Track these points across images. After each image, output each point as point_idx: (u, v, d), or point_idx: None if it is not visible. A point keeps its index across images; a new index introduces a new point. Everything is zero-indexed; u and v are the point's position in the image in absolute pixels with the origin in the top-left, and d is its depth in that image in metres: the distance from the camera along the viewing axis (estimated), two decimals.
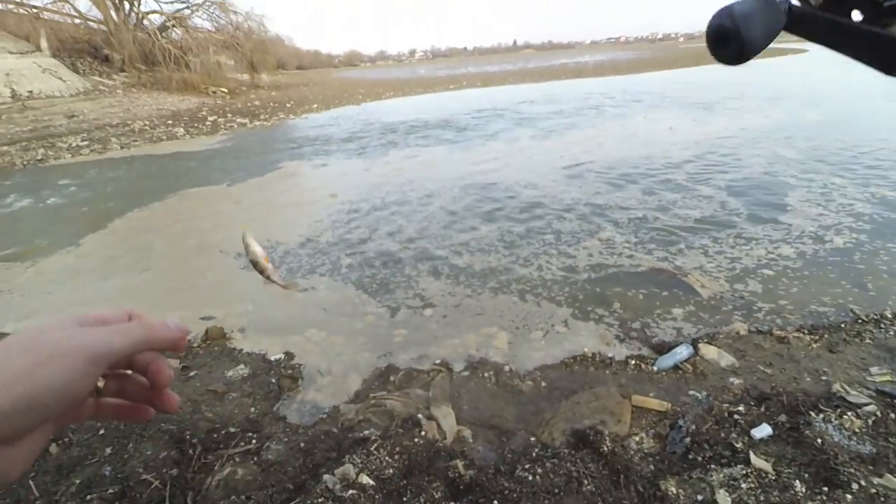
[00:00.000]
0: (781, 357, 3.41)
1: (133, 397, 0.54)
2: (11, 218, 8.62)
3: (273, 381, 3.54)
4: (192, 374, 3.69)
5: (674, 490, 2.40)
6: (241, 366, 3.72)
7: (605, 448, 2.67)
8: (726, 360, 3.38)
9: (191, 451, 2.94)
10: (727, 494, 2.35)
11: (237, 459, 2.86)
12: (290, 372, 3.61)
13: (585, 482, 2.44)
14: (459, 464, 2.56)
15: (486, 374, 3.44)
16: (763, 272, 4.69)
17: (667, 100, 17.82)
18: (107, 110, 20.89)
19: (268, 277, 1.12)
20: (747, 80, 23.93)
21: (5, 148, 15.03)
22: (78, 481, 2.73)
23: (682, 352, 3.41)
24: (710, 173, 8.04)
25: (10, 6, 24.85)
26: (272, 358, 3.82)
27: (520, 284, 4.81)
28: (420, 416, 2.93)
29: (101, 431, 3.12)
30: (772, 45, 0.52)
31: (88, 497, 2.60)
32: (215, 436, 3.07)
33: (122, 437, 3.08)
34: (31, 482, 2.73)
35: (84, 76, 24.44)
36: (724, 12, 0.50)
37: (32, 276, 5.90)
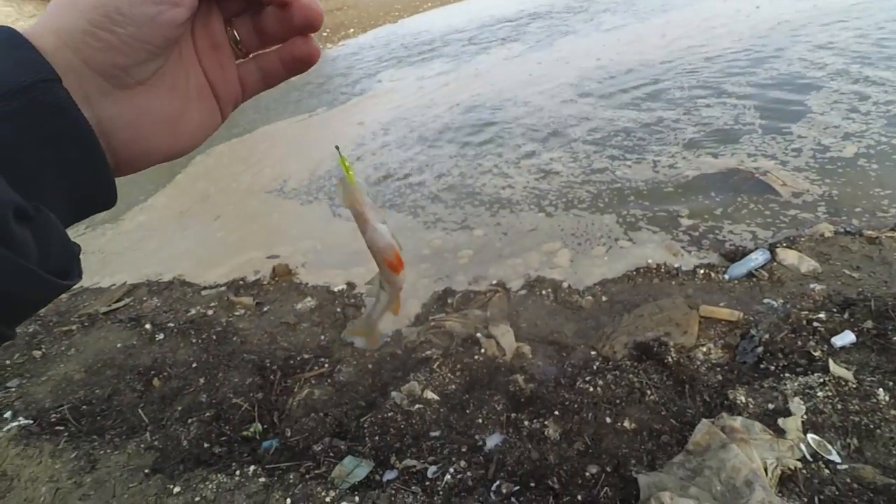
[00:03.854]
0: (871, 259, 3.09)
1: (275, 40, 0.48)
2: None
3: (338, 310, 3.71)
4: (265, 308, 3.94)
5: (743, 399, 2.32)
6: (308, 298, 3.92)
7: (670, 359, 2.60)
8: (807, 264, 3.12)
9: (272, 377, 3.20)
10: (802, 403, 2.24)
11: (313, 382, 3.09)
12: (352, 301, 3.77)
13: (648, 392, 2.41)
14: (520, 378, 2.61)
15: (543, 292, 3.40)
16: (854, 166, 4.18)
17: None
18: None
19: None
20: None
21: None
22: (180, 408, 3.08)
23: (758, 257, 3.18)
24: (794, 58, 7.08)
25: None
26: (336, 289, 3.98)
27: (582, 198, 4.60)
28: (479, 335, 2.98)
29: (194, 364, 3.45)
30: None
31: (190, 420, 2.92)
32: (292, 362, 3.31)
33: (212, 367, 3.40)
34: (140, 411, 3.11)
35: None
36: None
37: (115, 236, 6.35)
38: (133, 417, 3.04)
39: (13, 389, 3.41)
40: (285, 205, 6.04)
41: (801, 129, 4.99)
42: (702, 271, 3.30)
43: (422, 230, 4.70)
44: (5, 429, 2.96)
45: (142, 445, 2.72)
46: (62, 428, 2.97)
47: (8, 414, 3.14)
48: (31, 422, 3.02)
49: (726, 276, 3.20)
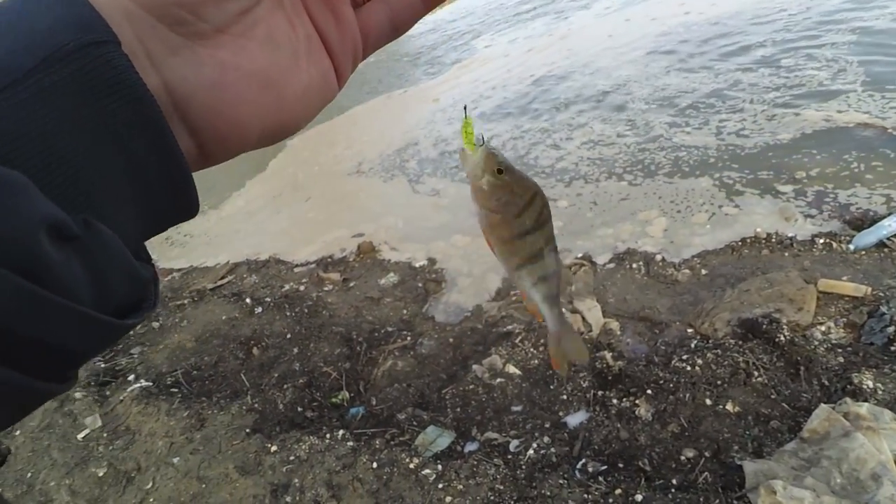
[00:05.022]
0: None
1: None
2: None
3: (420, 285, 3.75)
4: (351, 284, 4.08)
5: (870, 384, 2.03)
6: (391, 274, 4.00)
7: (782, 338, 2.34)
8: None
9: (358, 349, 3.32)
10: None
11: (396, 354, 3.15)
12: (433, 276, 3.79)
13: (755, 374, 2.18)
14: (607, 355, 2.48)
15: (634, 265, 3.19)
16: None
17: None
18: None
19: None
20: None
21: None
22: (276, 375, 3.28)
23: (891, 224, 2.74)
24: None
25: None
26: (417, 265, 4.03)
27: (680, 161, 4.24)
28: (563, 310, 2.87)
29: (288, 335, 3.66)
30: None
31: (285, 386, 3.11)
32: (376, 335, 3.40)
33: (304, 338, 3.59)
34: (242, 376, 3.37)
35: None
36: None
37: (218, 220, 6.89)
38: (236, 382, 3.29)
39: (136, 356, 3.83)
40: (368, 184, 6.20)
41: None
42: (821, 241, 2.91)
43: None
44: (129, 389, 3.33)
45: (244, 407, 2.94)
46: (176, 390, 3.29)
47: (132, 377, 3.53)
48: (151, 384, 3.38)
49: (851, 247, 2.80)
